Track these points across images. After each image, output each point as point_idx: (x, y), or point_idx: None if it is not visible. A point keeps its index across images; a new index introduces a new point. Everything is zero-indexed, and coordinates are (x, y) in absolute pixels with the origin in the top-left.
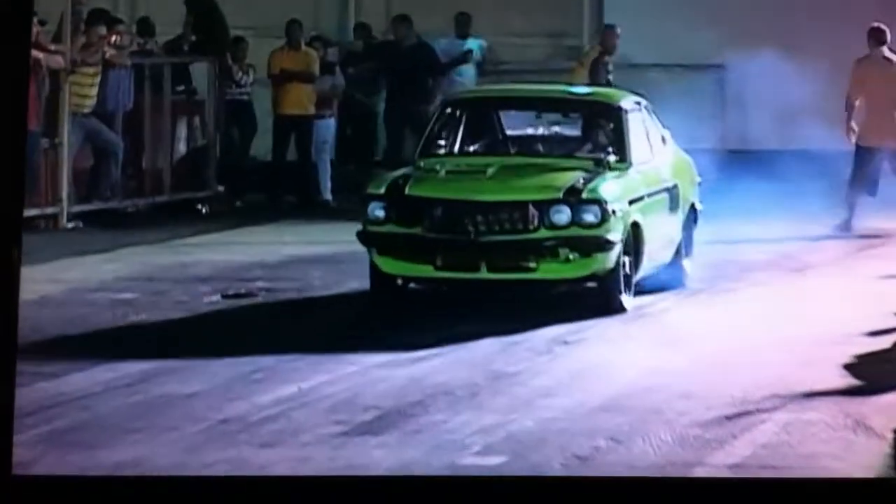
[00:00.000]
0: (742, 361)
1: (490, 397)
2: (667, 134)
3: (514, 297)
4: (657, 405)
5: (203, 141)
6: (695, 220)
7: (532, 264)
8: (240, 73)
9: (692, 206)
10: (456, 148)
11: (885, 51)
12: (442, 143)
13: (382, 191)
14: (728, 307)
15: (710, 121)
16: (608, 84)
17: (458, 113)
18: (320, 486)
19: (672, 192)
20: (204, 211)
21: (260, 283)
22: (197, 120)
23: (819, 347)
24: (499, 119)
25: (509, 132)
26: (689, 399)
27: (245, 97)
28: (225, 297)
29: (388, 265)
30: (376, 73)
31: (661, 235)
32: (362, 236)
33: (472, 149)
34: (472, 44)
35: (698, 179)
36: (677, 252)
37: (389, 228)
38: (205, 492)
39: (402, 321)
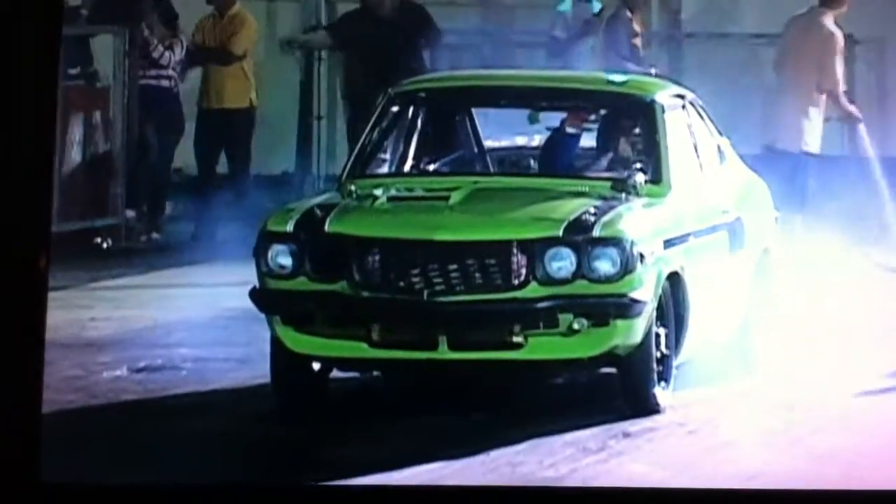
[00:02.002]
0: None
1: None
2: (726, 144)
3: (491, 388)
4: None
5: (106, 146)
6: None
7: (518, 338)
8: (160, 49)
9: (766, 253)
10: (406, 165)
11: None
12: (384, 156)
13: (290, 227)
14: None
15: None
16: (634, 56)
17: (409, 112)
18: (346, 495)
19: (734, 229)
20: (106, 246)
21: (184, 350)
22: (98, 115)
23: None
24: (472, 121)
25: (488, 143)
26: None
27: (167, 83)
28: (134, 371)
29: (297, 342)
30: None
31: (715, 295)
32: (258, 297)
33: (430, 166)
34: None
35: (776, 214)
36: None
37: (300, 284)
38: (239, 501)
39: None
